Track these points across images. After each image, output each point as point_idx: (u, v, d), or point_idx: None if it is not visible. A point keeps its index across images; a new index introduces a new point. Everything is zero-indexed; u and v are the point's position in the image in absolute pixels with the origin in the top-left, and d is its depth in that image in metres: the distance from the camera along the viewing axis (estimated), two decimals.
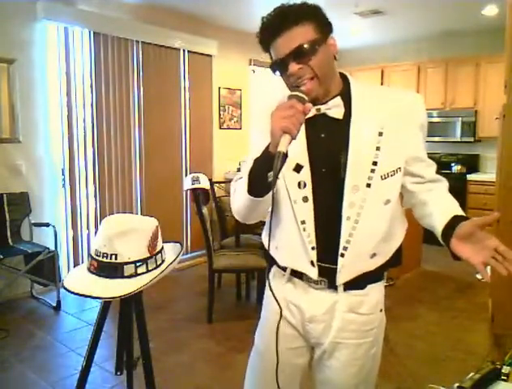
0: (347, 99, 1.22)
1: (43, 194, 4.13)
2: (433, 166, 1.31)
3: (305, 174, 1.22)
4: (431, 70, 6.02)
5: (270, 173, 1.07)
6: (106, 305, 1.49)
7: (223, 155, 5.57)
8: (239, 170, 1.30)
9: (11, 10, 3.81)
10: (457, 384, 1.18)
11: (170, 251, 1.51)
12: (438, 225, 1.17)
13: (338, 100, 1.21)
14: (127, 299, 1.40)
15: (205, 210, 3.59)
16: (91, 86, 4.33)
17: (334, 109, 1.21)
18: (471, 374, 1.22)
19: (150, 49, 4.76)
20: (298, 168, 1.22)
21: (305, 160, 1.22)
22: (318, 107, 1.20)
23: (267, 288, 1.37)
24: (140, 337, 1.51)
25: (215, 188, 4.47)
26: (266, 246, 1.32)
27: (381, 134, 1.20)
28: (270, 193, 1.10)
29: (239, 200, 1.23)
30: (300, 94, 1.10)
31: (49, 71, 4.08)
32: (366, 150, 1.20)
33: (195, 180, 3.46)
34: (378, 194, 1.21)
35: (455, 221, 1.13)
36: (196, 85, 5.27)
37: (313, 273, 1.25)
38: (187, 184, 3.48)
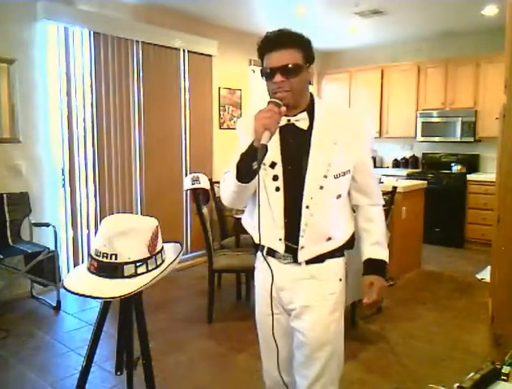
0: (311, 114, 1.54)
1: (43, 194, 4.13)
2: (373, 178, 1.66)
3: (278, 170, 1.53)
4: (431, 70, 6.02)
5: (255, 163, 1.37)
6: (106, 305, 1.49)
7: (223, 155, 5.57)
8: None
9: (11, 10, 3.81)
10: (457, 384, 1.18)
11: (170, 251, 1.51)
12: (362, 255, 1.66)
13: (304, 115, 1.54)
14: (127, 299, 1.40)
15: (205, 210, 3.59)
16: (91, 86, 4.33)
17: (301, 121, 1.53)
18: (471, 374, 1.22)
19: (150, 49, 4.76)
20: (273, 164, 1.53)
21: (278, 159, 1.53)
22: (289, 118, 1.52)
23: (256, 263, 1.73)
24: (140, 337, 1.51)
25: (215, 188, 4.47)
26: (247, 228, 1.68)
27: (335, 143, 1.52)
28: (255, 180, 1.43)
29: (228, 188, 1.54)
30: (277, 100, 1.43)
31: (49, 71, 4.08)
32: (323, 155, 1.51)
33: (195, 180, 3.46)
34: (332, 189, 1.53)
35: (369, 263, 1.63)
36: (196, 85, 5.27)
37: (280, 248, 1.56)
38: (187, 184, 3.48)
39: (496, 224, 3.18)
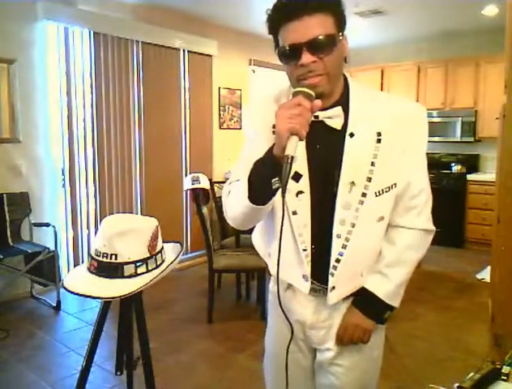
0: (345, 106, 1.13)
1: (43, 194, 4.13)
2: (420, 194, 1.24)
3: (304, 184, 1.14)
4: (431, 70, 6.02)
5: (275, 180, 1.00)
6: (106, 305, 1.49)
7: (223, 155, 5.57)
8: None
9: (11, 10, 3.80)
10: (457, 384, 1.17)
11: (170, 251, 1.51)
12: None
13: (339, 110, 1.12)
14: (127, 299, 1.40)
15: (205, 210, 3.59)
16: (91, 86, 4.33)
17: (334, 118, 1.12)
18: (471, 374, 1.22)
19: (150, 49, 4.76)
20: (297, 177, 1.13)
21: (304, 169, 1.14)
22: (317, 114, 1.08)
23: (271, 294, 1.39)
24: (140, 337, 1.51)
25: (215, 188, 4.47)
26: (260, 253, 1.34)
27: (377, 148, 1.12)
28: (273, 200, 1.06)
29: (236, 207, 1.12)
30: (307, 90, 1.01)
31: (49, 71, 4.08)
32: (360, 166, 1.12)
33: (195, 180, 3.46)
34: (372, 211, 1.15)
35: (361, 294, 1.23)
36: (196, 85, 5.27)
37: (304, 287, 1.22)
38: (187, 184, 3.48)
39: (496, 224, 3.18)
